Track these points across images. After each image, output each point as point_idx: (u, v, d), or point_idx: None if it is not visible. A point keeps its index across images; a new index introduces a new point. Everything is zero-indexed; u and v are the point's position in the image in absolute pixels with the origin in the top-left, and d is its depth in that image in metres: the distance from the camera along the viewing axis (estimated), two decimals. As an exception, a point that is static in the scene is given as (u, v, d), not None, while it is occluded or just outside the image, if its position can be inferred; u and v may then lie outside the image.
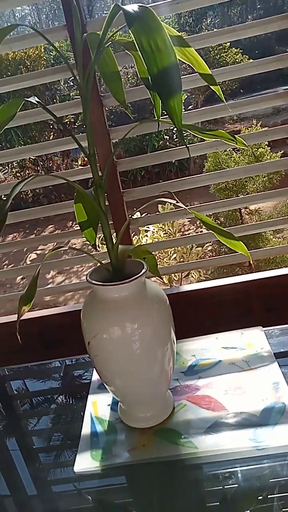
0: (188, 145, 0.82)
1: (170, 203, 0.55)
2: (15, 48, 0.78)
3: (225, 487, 0.48)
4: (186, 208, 0.54)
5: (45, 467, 0.57)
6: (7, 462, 0.59)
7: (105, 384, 0.57)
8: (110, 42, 0.47)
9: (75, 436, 0.59)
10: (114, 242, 0.53)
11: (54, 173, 0.68)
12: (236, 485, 0.48)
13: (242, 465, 0.50)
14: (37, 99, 0.48)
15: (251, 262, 0.86)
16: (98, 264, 0.55)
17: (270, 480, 0.48)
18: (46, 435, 0.63)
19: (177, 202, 0.52)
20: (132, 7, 0.35)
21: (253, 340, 0.70)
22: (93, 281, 0.50)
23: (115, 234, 0.74)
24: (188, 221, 5.16)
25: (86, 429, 0.59)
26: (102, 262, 0.55)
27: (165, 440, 0.55)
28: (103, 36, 0.43)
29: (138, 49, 0.33)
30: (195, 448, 0.52)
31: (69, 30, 0.72)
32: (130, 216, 0.66)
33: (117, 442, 0.56)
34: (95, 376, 0.70)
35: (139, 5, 0.35)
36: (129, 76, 6.87)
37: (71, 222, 5.86)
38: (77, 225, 0.62)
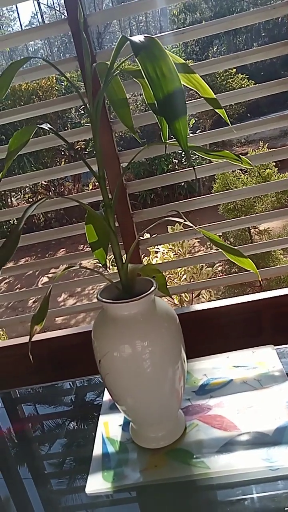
0: (195, 167, 0.85)
1: (179, 224, 0.56)
2: (28, 79, 0.81)
3: (239, 508, 0.47)
4: (195, 227, 0.55)
5: (56, 489, 0.57)
6: (17, 482, 0.59)
7: (116, 403, 0.57)
8: (118, 71, 0.50)
9: (87, 457, 0.58)
10: (124, 261, 0.54)
11: (65, 196, 0.70)
12: (250, 507, 0.47)
13: (255, 485, 0.49)
14: (49, 126, 0.50)
15: (260, 280, 0.86)
16: (109, 283, 0.56)
17: (285, 501, 0.47)
18: (58, 456, 0.62)
19: (185, 221, 0.53)
20: (138, 38, 0.37)
21: (264, 358, 0.69)
22: (103, 299, 0.51)
23: (125, 255, 0.75)
24: (198, 242, 5.18)
25: (97, 450, 0.59)
26: (113, 281, 0.56)
27: (177, 460, 0.54)
28: (111, 65, 0.45)
29: (144, 76, 0.35)
30: (208, 469, 0.52)
31: (80, 60, 0.76)
32: (139, 236, 0.67)
33: (128, 463, 0.56)
34: (107, 397, 0.70)
35: (145, 36, 0.37)
36: (138, 104, 7.07)
37: (82, 245, 5.93)
38: (88, 248, 0.63)
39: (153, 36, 0.37)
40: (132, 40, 0.37)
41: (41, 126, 0.50)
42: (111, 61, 0.45)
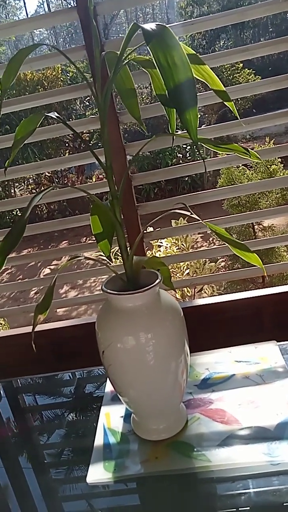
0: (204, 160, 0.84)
1: (184, 218, 0.56)
2: (35, 67, 0.81)
3: (239, 502, 0.47)
4: (201, 220, 0.55)
5: (56, 478, 0.57)
6: (18, 472, 0.59)
7: (118, 395, 0.57)
8: (128, 60, 0.49)
9: (87, 448, 0.59)
10: (129, 253, 0.54)
11: (71, 186, 0.69)
12: (250, 501, 0.47)
13: (256, 479, 0.49)
14: (56, 114, 0.50)
15: (265, 275, 0.86)
16: (113, 274, 0.56)
17: (285, 496, 0.47)
18: (58, 446, 0.63)
19: (191, 214, 0.53)
20: (150, 26, 0.36)
21: (267, 354, 0.69)
22: (108, 290, 0.51)
23: (129, 247, 0.75)
24: (201, 237, 5.17)
25: (99, 441, 0.59)
26: (118, 272, 0.56)
27: (178, 452, 0.54)
28: (122, 53, 0.45)
29: (155, 64, 0.35)
30: (208, 462, 0.52)
31: (88, 49, 0.75)
32: (144, 228, 0.67)
33: (129, 454, 0.56)
34: (109, 388, 0.70)
35: (156, 24, 0.37)
36: (143, 97, 7.02)
37: (85, 238, 5.92)
38: (91, 240, 0.63)
39: (165, 25, 0.36)
40: (144, 28, 0.36)
41: (49, 114, 0.50)
42: (122, 49, 0.44)
